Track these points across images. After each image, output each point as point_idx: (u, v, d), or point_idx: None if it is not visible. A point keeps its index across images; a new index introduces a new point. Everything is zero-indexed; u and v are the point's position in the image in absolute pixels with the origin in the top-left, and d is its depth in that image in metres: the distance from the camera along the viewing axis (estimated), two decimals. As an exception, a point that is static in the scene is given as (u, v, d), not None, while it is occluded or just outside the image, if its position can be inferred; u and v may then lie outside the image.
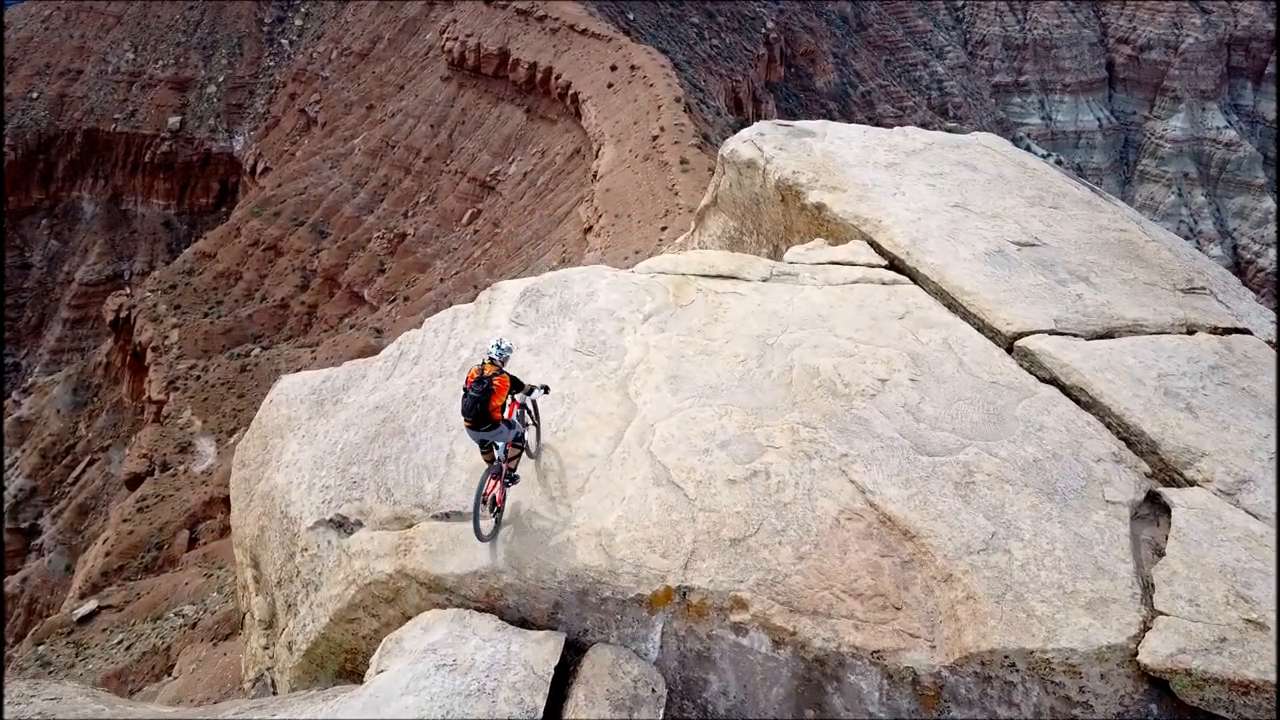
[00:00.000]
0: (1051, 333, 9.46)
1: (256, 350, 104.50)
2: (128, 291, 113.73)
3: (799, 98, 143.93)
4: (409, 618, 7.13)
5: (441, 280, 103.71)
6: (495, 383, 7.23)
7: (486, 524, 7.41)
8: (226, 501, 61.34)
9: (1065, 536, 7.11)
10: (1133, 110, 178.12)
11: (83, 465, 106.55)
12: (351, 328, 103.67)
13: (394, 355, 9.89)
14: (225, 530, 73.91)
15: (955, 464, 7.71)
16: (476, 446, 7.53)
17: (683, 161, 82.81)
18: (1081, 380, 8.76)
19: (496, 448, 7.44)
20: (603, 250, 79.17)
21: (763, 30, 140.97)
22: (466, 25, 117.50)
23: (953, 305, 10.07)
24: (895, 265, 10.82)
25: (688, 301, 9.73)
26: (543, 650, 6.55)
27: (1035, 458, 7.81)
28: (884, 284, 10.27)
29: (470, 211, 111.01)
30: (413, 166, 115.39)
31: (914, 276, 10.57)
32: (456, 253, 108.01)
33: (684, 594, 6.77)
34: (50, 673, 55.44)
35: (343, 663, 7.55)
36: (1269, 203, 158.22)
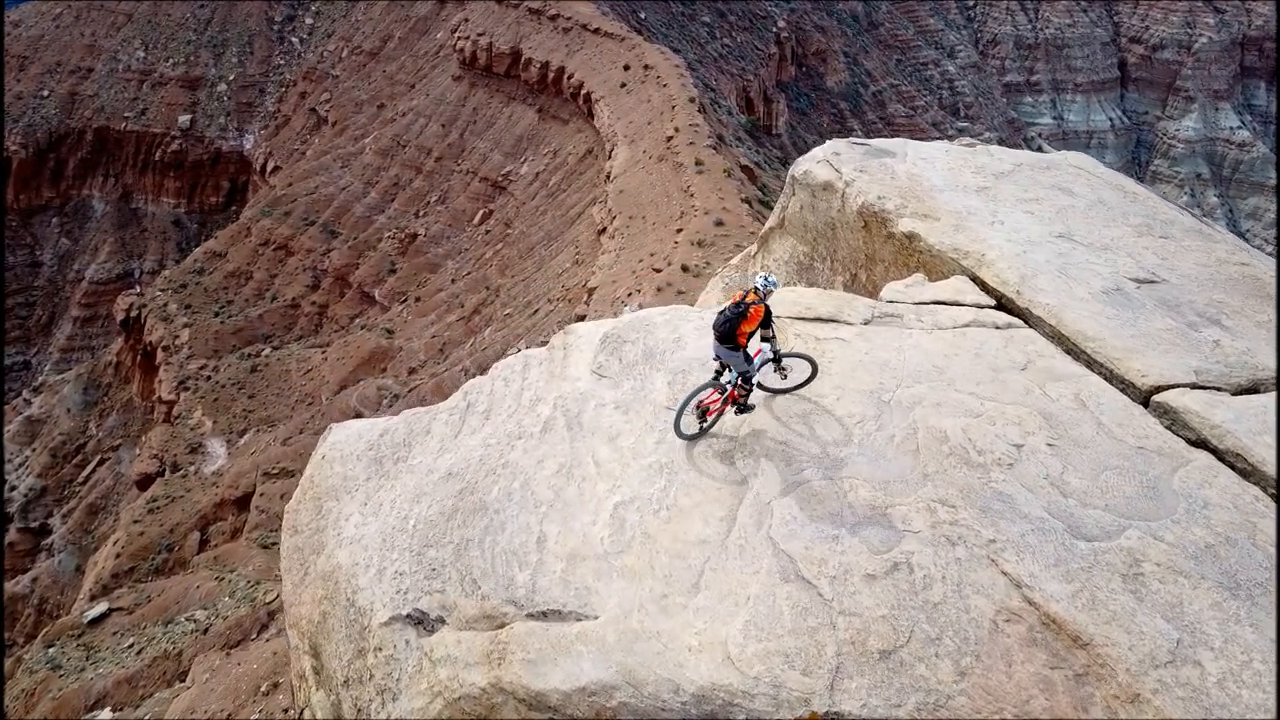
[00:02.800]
0: (1193, 386, 8.48)
1: (267, 350, 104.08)
2: (138, 290, 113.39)
3: (809, 97, 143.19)
4: (504, 738, 6.20)
5: (453, 281, 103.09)
6: (751, 310, 7.64)
7: (689, 422, 7.91)
8: (237, 503, 61.24)
9: (1261, 644, 6.14)
10: (1145, 110, 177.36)
11: (93, 465, 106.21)
12: (363, 328, 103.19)
13: (460, 407, 8.90)
14: (236, 533, 73.31)
15: (1118, 551, 6.74)
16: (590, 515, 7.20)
17: (698, 163, 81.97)
18: (1238, 445, 7.78)
19: (730, 370, 7.84)
20: (617, 252, 78.37)
21: (774, 29, 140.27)
22: (478, 24, 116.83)
23: (1074, 352, 9.10)
24: (1004, 305, 9.84)
25: (786, 350, 8.76)
26: (669, 788, 5.62)
27: (1207, 543, 6.84)
28: (998, 328, 9.29)
29: (482, 212, 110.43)
30: (424, 166, 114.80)
31: (1026, 318, 9.60)
32: (468, 253, 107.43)
33: (832, 720, 5.82)
34: (60, 675, 54.90)
35: (427, 786, 6.63)
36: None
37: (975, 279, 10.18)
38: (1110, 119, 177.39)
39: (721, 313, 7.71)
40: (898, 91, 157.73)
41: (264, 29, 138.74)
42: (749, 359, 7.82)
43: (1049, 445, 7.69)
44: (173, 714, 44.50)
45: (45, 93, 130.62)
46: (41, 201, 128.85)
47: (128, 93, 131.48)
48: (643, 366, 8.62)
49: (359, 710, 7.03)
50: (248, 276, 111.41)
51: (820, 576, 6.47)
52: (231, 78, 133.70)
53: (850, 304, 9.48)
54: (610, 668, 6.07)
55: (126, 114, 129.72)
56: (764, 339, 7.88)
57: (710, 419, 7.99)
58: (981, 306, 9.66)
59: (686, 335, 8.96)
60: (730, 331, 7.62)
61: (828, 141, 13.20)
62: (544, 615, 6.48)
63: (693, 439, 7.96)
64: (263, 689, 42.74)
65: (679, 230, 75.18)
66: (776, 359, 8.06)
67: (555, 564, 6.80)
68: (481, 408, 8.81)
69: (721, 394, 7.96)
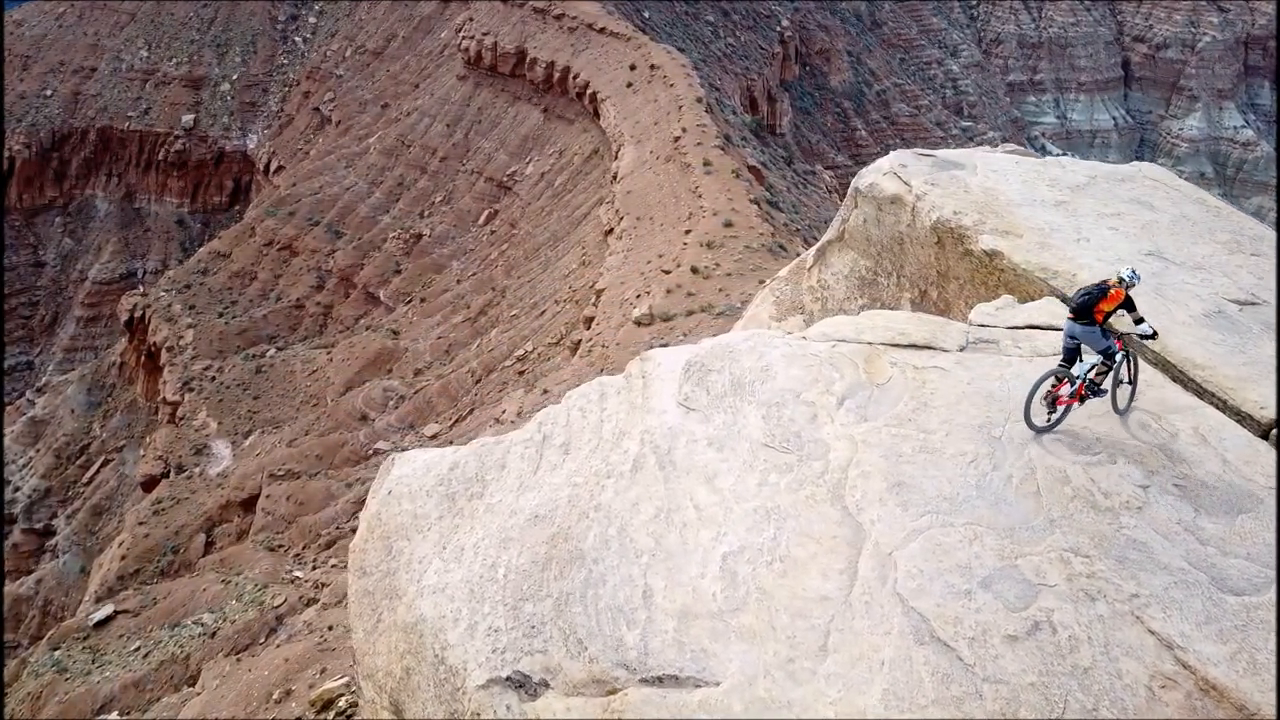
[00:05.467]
0: (1315, 419, 8.01)
1: (272, 351, 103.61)
2: (142, 291, 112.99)
3: (813, 96, 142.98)
4: (623, 817, 5.71)
5: (458, 281, 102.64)
6: (1112, 291, 7.80)
7: (1039, 412, 7.84)
8: (243, 505, 60.76)
9: None
10: (1149, 110, 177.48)
11: (97, 466, 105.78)
12: (368, 329, 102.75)
13: (535, 440, 8.40)
14: (241, 535, 72.77)
15: (1270, 606, 6.26)
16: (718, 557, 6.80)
17: (706, 163, 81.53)
18: (1374, 485, 7.30)
19: (1081, 356, 7.88)
20: (625, 253, 77.92)
21: (777, 29, 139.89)
22: (483, 24, 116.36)
23: (1183, 381, 8.63)
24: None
25: (884, 379, 8.27)
26: None
27: (1362, 597, 6.36)
28: (1100, 355, 8.81)
29: (487, 212, 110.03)
30: (428, 166, 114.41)
31: (1127, 344, 9.12)
32: (473, 254, 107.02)
33: (990, 804, 5.34)
34: (67, 678, 54.44)
35: None
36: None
37: (1066, 301, 9.70)
38: (1114, 118, 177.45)
39: (1080, 290, 7.96)
40: (901, 91, 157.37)
41: (267, 28, 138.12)
42: (1106, 335, 7.88)
43: (1176, 486, 7.21)
44: (184, 720, 44.03)
45: (48, 92, 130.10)
46: (45, 201, 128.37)
47: (131, 92, 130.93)
48: (732, 399, 8.12)
49: (452, 778, 6.55)
50: (252, 277, 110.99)
51: (958, 638, 5.98)
52: (235, 77, 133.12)
53: (944, 329, 8.99)
54: (749, 735, 5.58)
55: (130, 113, 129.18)
56: (1136, 321, 8.09)
57: (1061, 409, 7.92)
58: (1079, 331, 9.17)
59: (774, 363, 8.45)
60: (1089, 306, 7.77)
61: (891, 152, 12.73)
62: (659, 681, 5.98)
63: (1040, 431, 7.86)
64: (275, 696, 42.16)
65: (687, 231, 74.75)
66: (1152, 336, 8.17)
67: (666, 622, 6.29)
68: (559, 440, 8.30)
69: (1070, 385, 7.89)
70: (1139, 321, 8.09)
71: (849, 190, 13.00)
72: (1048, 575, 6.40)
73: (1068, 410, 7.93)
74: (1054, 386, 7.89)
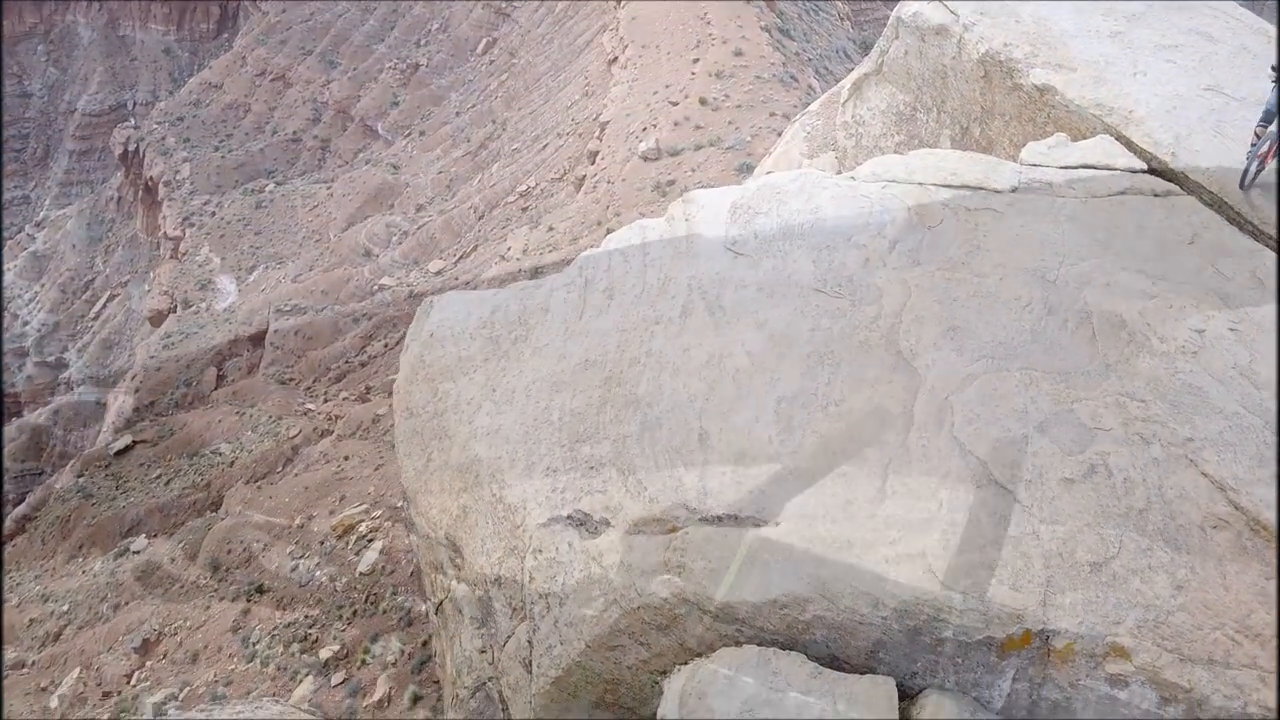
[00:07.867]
0: (1374, 262, 7.87)
1: (271, 186, 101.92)
2: (133, 123, 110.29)
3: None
4: (686, 647, 5.91)
5: (457, 114, 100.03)
6: None
7: (1250, 177, 8.54)
8: (251, 340, 60.93)
9: None
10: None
11: (103, 300, 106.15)
12: (367, 163, 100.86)
13: (578, 283, 8.28)
14: (252, 369, 73.85)
15: (1323, 448, 6.31)
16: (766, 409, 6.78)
17: (715, -14, 77.96)
18: None
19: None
20: (630, 84, 75.61)
21: None
22: None
23: (1239, 223, 8.42)
24: (1155, 169, 9.08)
25: (935, 222, 8.06)
26: (874, 706, 5.37)
27: None
28: (1156, 195, 8.58)
29: (485, 40, 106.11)
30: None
31: (1182, 183, 8.87)
32: (472, 84, 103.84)
33: (1046, 638, 5.52)
34: (93, 504, 56.41)
35: (602, 693, 6.39)
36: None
37: (1121, 138, 9.38)
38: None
39: None
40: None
41: None
42: None
43: (1232, 330, 7.14)
44: (210, 542, 45.85)
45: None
46: (25, 28, 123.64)
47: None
48: (781, 243, 7.95)
49: (516, 610, 6.78)
50: (246, 109, 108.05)
51: (1015, 481, 6.06)
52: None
53: (996, 169, 8.70)
54: (801, 579, 5.73)
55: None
56: None
57: (1267, 166, 8.52)
58: (1135, 171, 8.90)
59: (824, 205, 8.23)
60: None
61: (937, -24, 12.00)
62: (719, 520, 6.10)
63: (1247, 188, 8.54)
64: (298, 522, 43.79)
65: (695, 60, 72.34)
66: None
67: (723, 464, 6.37)
68: (601, 285, 8.18)
69: (1271, 144, 8.40)
70: None
71: (890, 19, 12.37)
72: (1103, 419, 6.43)
73: (1263, 166, 8.56)
74: (1266, 149, 8.38)
